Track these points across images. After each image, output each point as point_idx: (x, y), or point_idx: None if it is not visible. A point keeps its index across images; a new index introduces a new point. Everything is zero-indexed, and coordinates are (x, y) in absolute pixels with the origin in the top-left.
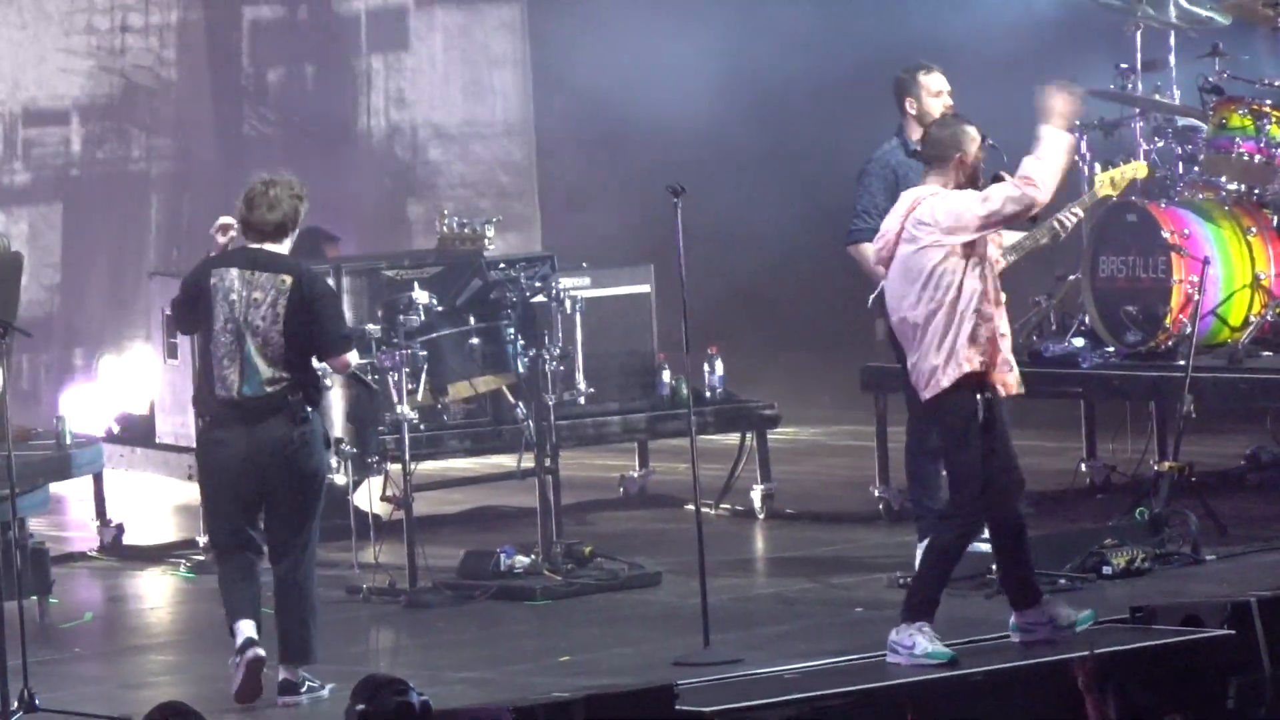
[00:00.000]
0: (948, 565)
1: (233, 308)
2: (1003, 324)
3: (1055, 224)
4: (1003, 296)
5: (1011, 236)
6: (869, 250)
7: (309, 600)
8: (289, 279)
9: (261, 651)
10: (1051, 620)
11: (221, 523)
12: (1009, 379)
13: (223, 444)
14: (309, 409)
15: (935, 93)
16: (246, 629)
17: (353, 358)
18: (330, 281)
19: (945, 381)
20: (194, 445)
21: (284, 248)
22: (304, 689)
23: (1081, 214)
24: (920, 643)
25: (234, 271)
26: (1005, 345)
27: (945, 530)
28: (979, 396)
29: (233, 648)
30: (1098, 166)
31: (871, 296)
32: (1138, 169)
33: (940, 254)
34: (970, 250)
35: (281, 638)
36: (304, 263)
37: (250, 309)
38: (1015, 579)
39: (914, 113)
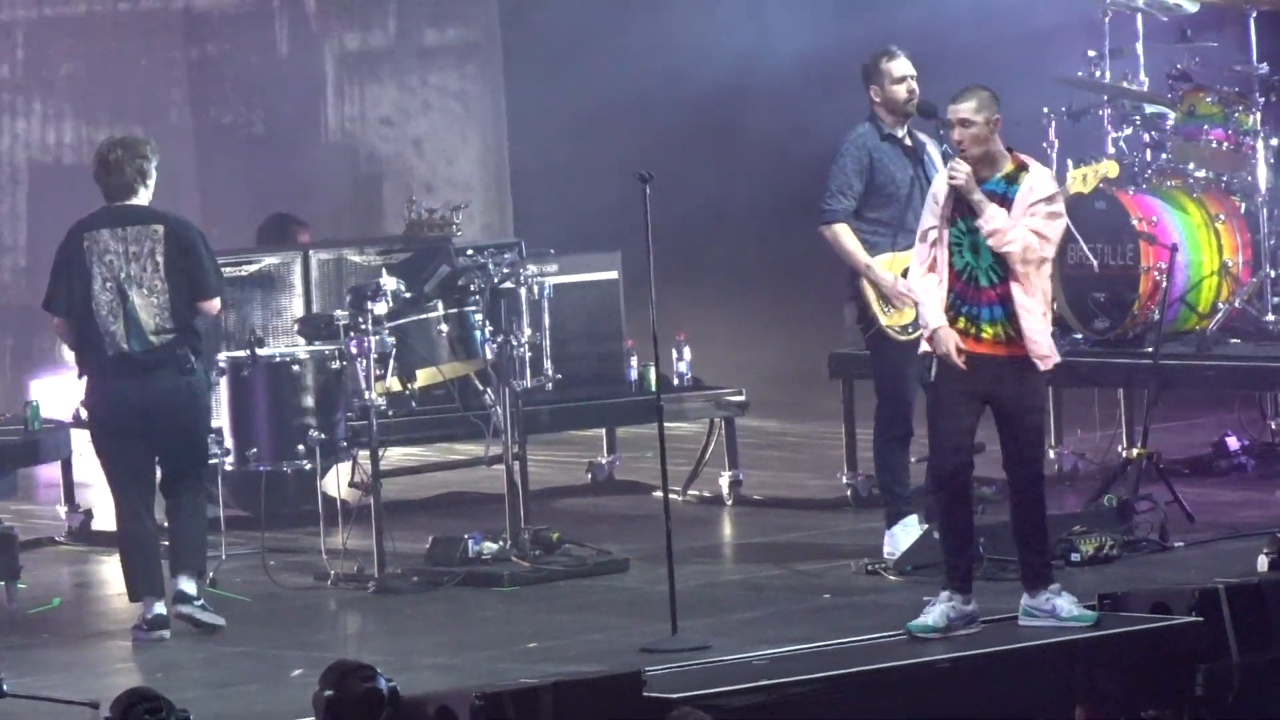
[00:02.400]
0: (942, 529)
1: (110, 266)
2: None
3: None
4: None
5: None
6: (843, 232)
7: (204, 516)
8: (160, 228)
9: (168, 634)
10: (1053, 611)
11: (126, 466)
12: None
13: (117, 397)
14: (194, 359)
15: (898, 78)
16: (160, 606)
17: (216, 305)
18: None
19: None
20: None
21: (143, 200)
22: (199, 600)
23: None
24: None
25: (105, 232)
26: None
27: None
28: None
29: (141, 614)
30: (1069, 163)
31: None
32: (1109, 168)
33: None
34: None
35: (181, 549)
36: (166, 210)
37: (130, 263)
38: (1020, 557)
39: (878, 99)
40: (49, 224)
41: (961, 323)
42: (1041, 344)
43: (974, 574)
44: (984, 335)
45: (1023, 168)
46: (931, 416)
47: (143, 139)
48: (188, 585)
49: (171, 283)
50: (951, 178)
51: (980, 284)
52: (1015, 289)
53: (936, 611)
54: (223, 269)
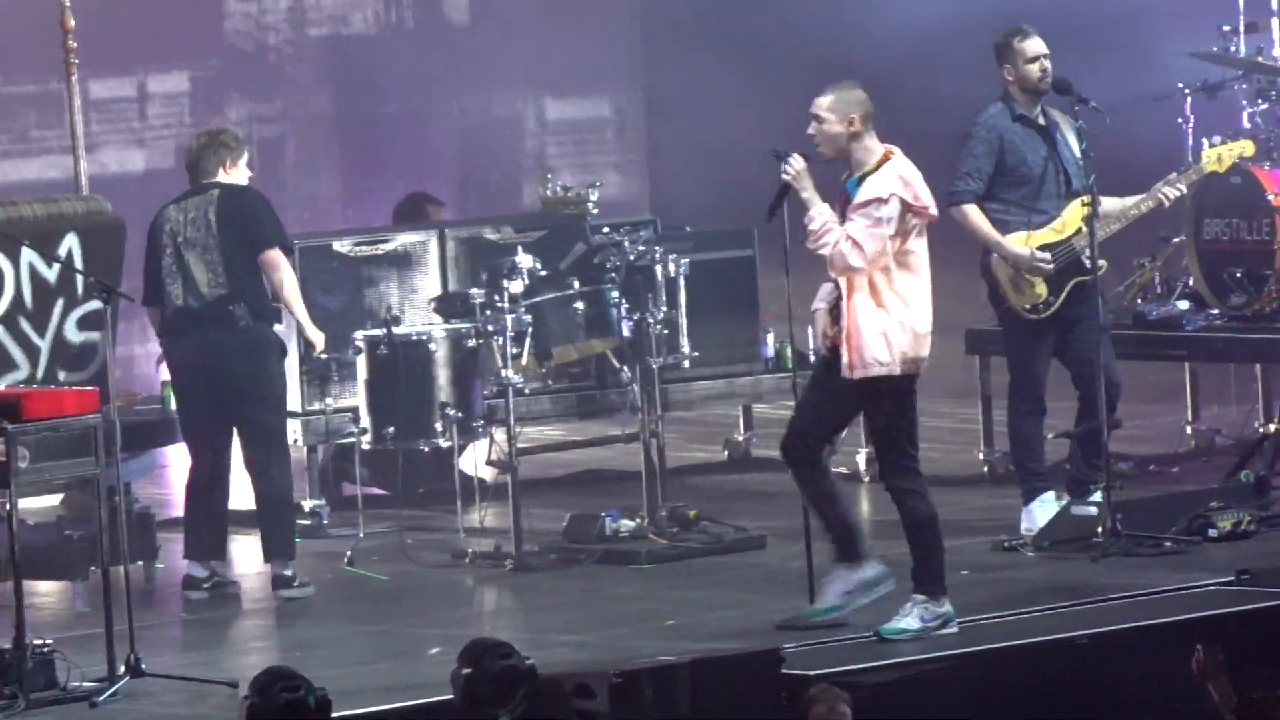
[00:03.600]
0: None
1: (173, 235)
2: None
3: (1160, 195)
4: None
5: (1113, 204)
6: (971, 211)
7: (283, 499)
8: (215, 193)
9: (199, 597)
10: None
11: (191, 424)
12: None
13: (179, 356)
14: (252, 319)
15: (1031, 58)
16: (197, 569)
17: (278, 257)
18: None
19: None
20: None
21: (222, 180)
22: (296, 583)
23: (1185, 188)
24: None
25: (171, 208)
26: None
27: None
28: None
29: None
30: (1204, 142)
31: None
32: (1245, 146)
33: None
34: None
35: (264, 537)
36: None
37: (187, 228)
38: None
39: (1011, 79)
40: None
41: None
42: (854, 353)
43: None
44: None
45: (879, 165)
46: None
47: (225, 129)
48: (280, 569)
49: (223, 240)
50: (783, 172)
51: (839, 281)
52: (844, 293)
53: (913, 614)
54: (359, 247)
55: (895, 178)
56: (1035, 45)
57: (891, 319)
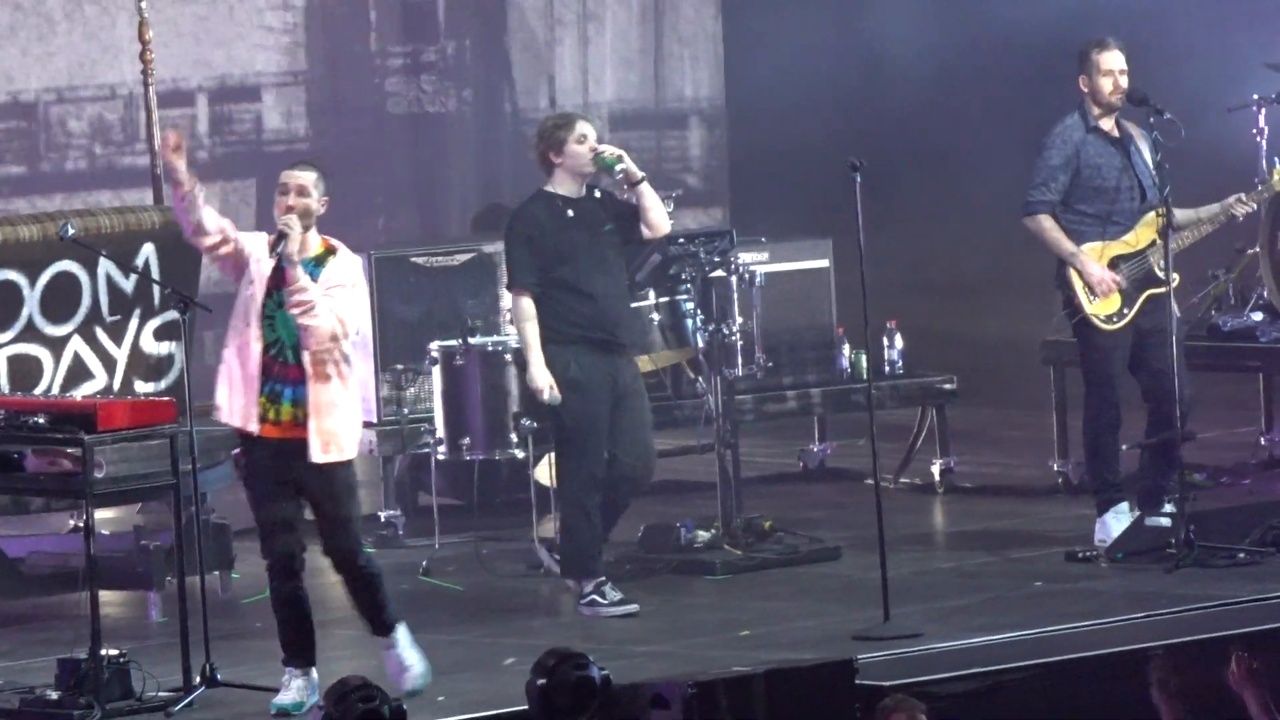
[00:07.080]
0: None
1: None
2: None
3: (1230, 212)
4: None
5: (1186, 216)
6: (1046, 222)
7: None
8: None
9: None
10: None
11: None
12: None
13: None
14: None
15: (1105, 71)
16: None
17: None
18: None
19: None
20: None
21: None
22: (606, 599)
23: (1254, 207)
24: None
25: None
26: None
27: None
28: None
29: None
30: (1277, 160)
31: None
32: None
33: None
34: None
35: None
36: None
37: None
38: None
39: (1086, 90)
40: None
41: (262, 401)
42: (326, 435)
43: None
44: (283, 417)
45: (331, 251)
46: (252, 506)
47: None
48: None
49: None
50: (285, 229)
51: (288, 361)
52: (309, 373)
53: (295, 687)
54: (436, 258)
55: (358, 265)
56: (1112, 59)
57: (354, 405)
